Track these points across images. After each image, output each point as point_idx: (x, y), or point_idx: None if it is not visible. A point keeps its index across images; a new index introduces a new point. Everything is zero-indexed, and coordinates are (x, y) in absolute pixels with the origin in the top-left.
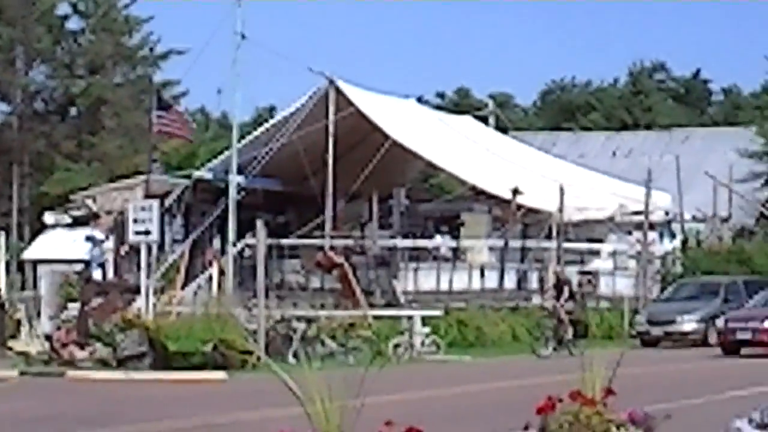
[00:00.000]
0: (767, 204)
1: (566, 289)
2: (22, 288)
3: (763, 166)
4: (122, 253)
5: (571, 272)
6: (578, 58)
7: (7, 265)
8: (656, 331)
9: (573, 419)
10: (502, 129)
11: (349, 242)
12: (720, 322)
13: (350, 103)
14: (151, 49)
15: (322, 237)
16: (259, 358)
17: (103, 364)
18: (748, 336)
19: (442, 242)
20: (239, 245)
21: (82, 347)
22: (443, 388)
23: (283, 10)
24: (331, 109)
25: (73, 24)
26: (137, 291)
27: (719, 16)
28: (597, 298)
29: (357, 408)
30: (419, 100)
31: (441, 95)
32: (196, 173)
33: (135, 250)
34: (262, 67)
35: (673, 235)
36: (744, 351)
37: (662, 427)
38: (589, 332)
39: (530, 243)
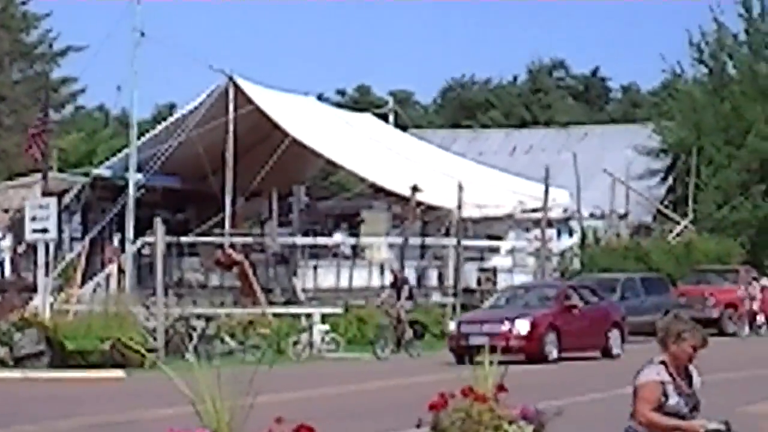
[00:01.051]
0: (664, 201)
1: (406, 289)
2: None
3: (660, 163)
4: (20, 251)
5: (471, 269)
6: (478, 55)
7: None
8: None
9: (465, 416)
10: (402, 127)
11: (249, 240)
12: (453, 326)
13: (250, 101)
14: (50, 46)
15: (222, 235)
16: (157, 358)
17: (0, 363)
18: (483, 341)
19: (341, 240)
20: (138, 243)
21: None
22: (341, 386)
23: (183, 7)
24: (231, 106)
25: None
26: (35, 289)
27: (618, 14)
28: (489, 292)
29: (248, 406)
30: (319, 97)
31: (341, 92)
32: (95, 171)
33: (32, 248)
34: (161, 64)
35: (571, 232)
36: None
37: (553, 423)
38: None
39: (429, 240)
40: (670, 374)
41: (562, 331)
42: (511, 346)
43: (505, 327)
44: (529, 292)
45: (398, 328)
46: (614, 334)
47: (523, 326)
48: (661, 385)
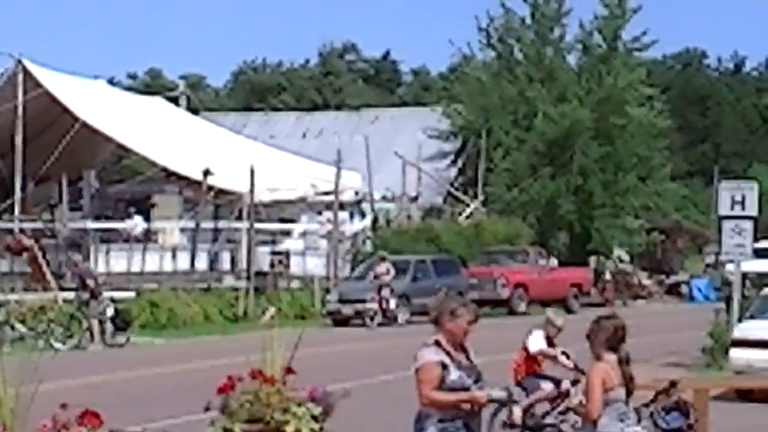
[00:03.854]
0: (455, 183)
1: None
2: None
3: (451, 145)
4: None
5: (264, 252)
6: (270, 39)
7: None
8: (347, 309)
9: (253, 398)
10: (193, 110)
11: (39, 225)
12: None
13: (39, 85)
14: None
15: (11, 220)
16: None
17: None
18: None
19: (133, 224)
20: None
21: None
22: (132, 371)
23: None
24: (20, 90)
25: None
26: None
27: None
28: (288, 277)
29: (33, 393)
30: (110, 81)
31: (132, 76)
32: None
33: None
34: None
35: (363, 215)
36: None
37: (341, 404)
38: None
39: (222, 224)
40: (447, 352)
41: None
42: None
43: None
44: None
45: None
46: None
47: None
48: (439, 365)
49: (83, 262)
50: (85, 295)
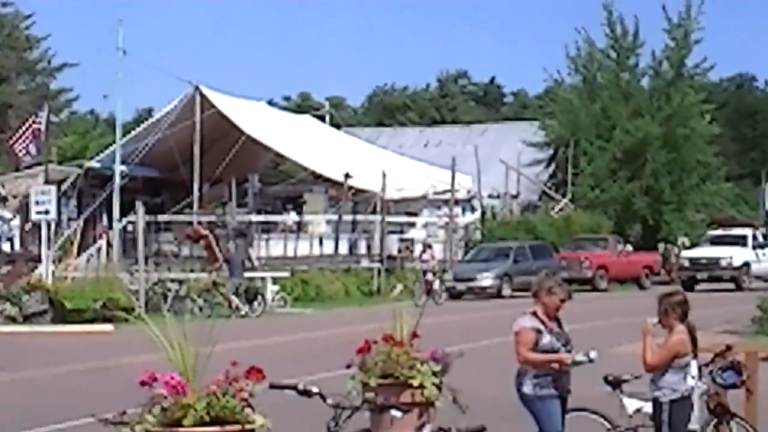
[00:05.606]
0: (548, 184)
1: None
2: None
3: (544, 153)
4: (26, 229)
5: (393, 240)
6: (398, 67)
7: None
8: (461, 286)
9: (386, 357)
10: (336, 125)
11: (213, 218)
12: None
13: (212, 105)
14: (49, 62)
15: (191, 214)
16: (139, 314)
17: (12, 320)
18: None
19: (288, 217)
20: (123, 222)
21: None
22: (288, 336)
23: (158, 28)
24: (197, 110)
25: None
26: (39, 260)
27: (509, 32)
28: (413, 260)
29: (209, 353)
30: (269, 102)
31: (287, 98)
32: (87, 163)
33: (37, 226)
34: (141, 75)
35: (473, 209)
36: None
37: (456, 363)
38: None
39: (359, 217)
40: (541, 320)
41: None
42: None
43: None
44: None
45: None
46: None
47: None
48: (533, 330)
49: (233, 251)
50: (227, 275)
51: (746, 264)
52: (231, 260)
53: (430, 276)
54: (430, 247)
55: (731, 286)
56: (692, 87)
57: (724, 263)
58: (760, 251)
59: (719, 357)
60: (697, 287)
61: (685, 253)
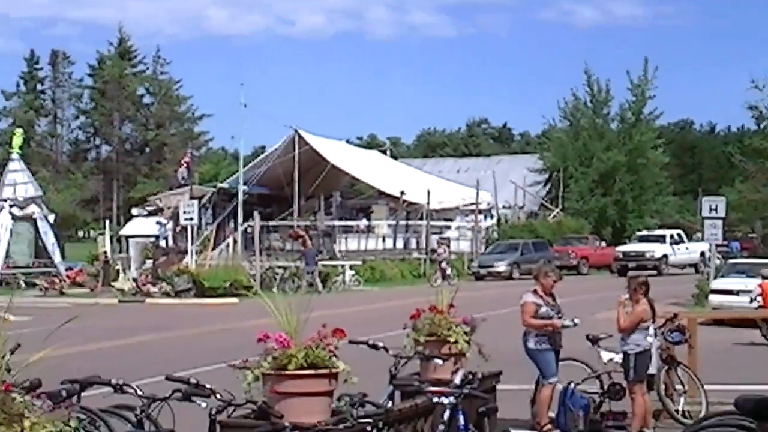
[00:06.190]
0: (544, 198)
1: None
2: (119, 252)
3: (542, 177)
4: (177, 230)
5: (434, 238)
6: (438, 114)
7: (111, 238)
8: (483, 271)
9: (431, 321)
10: (394, 157)
11: (307, 223)
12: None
13: (306, 143)
14: (192, 113)
15: (292, 220)
16: (256, 291)
17: (167, 294)
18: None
19: (360, 222)
20: (244, 226)
21: (154, 285)
22: (361, 306)
23: (269, 86)
24: (296, 147)
25: (147, 99)
26: (186, 252)
27: (520, 87)
28: (450, 253)
29: (306, 318)
30: (347, 141)
31: (359, 138)
32: (219, 185)
33: (184, 228)
34: (257, 121)
35: (491, 217)
36: None
37: (481, 326)
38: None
39: (411, 222)
40: (540, 296)
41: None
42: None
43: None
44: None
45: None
46: None
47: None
48: (534, 303)
49: (310, 248)
50: (303, 264)
51: (665, 256)
52: (306, 254)
53: (444, 264)
54: (444, 243)
55: (654, 272)
56: (648, 129)
57: (648, 255)
58: (675, 247)
59: (669, 322)
60: (628, 273)
61: (619, 248)
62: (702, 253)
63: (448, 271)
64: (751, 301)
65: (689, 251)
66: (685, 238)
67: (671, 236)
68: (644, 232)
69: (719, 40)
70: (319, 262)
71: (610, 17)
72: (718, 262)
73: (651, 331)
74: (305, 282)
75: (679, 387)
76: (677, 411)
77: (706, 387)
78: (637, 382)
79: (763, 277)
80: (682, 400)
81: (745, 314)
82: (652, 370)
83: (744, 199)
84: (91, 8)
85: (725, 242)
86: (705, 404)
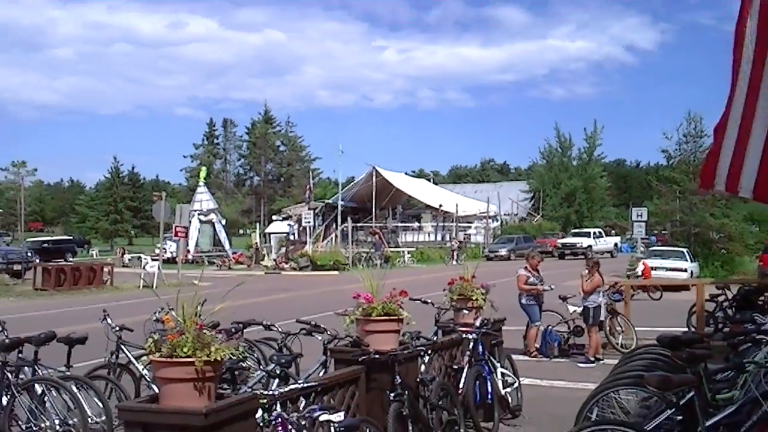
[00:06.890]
0: (530, 209)
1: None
2: (265, 242)
3: (529, 195)
4: (300, 229)
5: (461, 235)
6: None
7: (260, 234)
8: (492, 255)
9: (461, 287)
10: (435, 183)
11: (380, 224)
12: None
13: (380, 175)
14: (309, 156)
15: (371, 223)
16: (349, 267)
17: (294, 269)
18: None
19: (414, 224)
20: (342, 226)
21: (286, 263)
22: (415, 276)
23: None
24: (374, 179)
25: (282, 148)
26: (306, 243)
27: (516, 135)
28: (468, 244)
29: (383, 283)
30: (405, 173)
31: (413, 170)
32: (327, 201)
33: (305, 228)
34: (350, 160)
35: (497, 221)
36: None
37: (492, 289)
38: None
39: (445, 224)
40: (529, 270)
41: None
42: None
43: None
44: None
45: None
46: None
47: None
48: (525, 275)
49: (379, 239)
50: (374, 250)
51: (590, 246)
52: (375, 244)
53: (456, 251)
54: (456, 237)
55: (583, 257)
56: (596, 165)
57: (578, 245)
58: (597, 240)
59: (612, 287)
60: (566, 258)
61: (559, 241)
62: (615, 244)
63: (457, 255)
64: (637, 277)
65: (606, 243)
66: (604, 234)
67: (594, 233)
68: (576, 230)
69: (644, 106)
70: (386, 250)
71: (573, 94)
72: (642, 248)
73: (602, 293)
74: (379, 261)
75: (619, 329)
76: (618, 344)
77: (637, 329)
78: (593, 326)
79: (644, 259)
80: (620, 337)
81: (657, 282)
82: (602, 317)
83: (659, 209)
84: (247, 92)
85: (647, 237)
86: (635, 340)
